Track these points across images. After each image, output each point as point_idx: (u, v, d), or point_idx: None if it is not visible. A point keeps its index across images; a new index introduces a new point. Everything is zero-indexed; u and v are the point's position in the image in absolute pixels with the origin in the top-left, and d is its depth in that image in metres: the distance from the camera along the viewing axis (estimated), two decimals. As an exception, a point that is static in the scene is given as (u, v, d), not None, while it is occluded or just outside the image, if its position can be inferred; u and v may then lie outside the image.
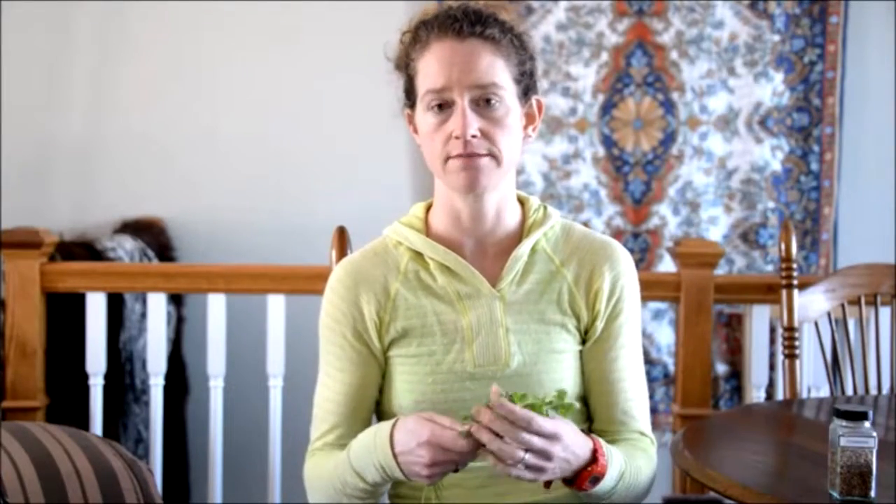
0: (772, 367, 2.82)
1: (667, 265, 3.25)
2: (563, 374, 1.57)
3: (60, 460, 1.85)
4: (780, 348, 2.25)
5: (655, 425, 1.68)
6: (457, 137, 1.51)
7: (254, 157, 3.43)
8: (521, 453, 1.37)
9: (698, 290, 2.60)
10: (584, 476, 1.45)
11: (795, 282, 2.23)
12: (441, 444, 1.40)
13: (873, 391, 2.31)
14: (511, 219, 1.61)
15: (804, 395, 2.35)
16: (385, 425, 1.49)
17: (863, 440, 1.35)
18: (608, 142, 3.39)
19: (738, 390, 3.37)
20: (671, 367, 3.31)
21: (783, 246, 2.23)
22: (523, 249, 1.59)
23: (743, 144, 3.37)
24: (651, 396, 3.22)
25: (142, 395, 2.95)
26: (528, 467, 1.39)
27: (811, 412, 1.97)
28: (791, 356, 2.21)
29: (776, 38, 3.35)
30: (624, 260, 1.62)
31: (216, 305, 2.64)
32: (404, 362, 1.58)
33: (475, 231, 1.60)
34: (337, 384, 1.60)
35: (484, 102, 1.52)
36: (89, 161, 3.42)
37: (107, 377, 2.67)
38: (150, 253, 3.14)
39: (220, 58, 3.43)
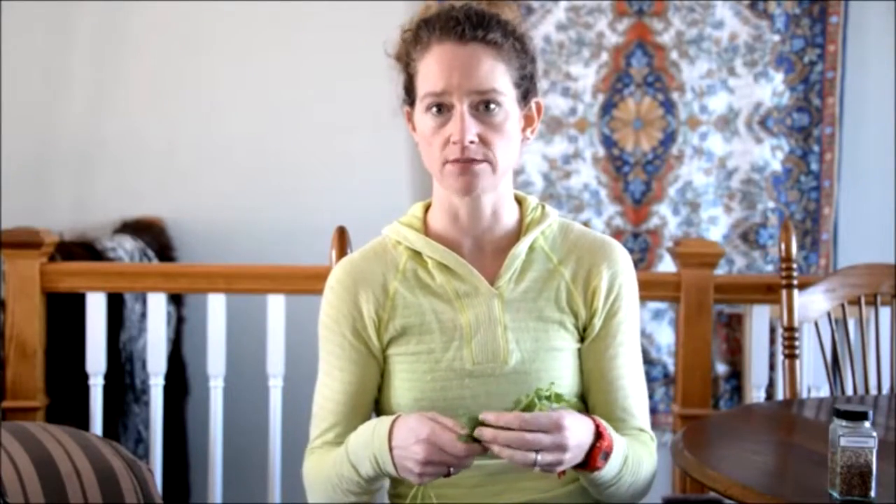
0: (772, 367, 2.82)
1: (667, 265, 3.25)
2: (562, 372, 1.57)
3: (60, 460, 1.85)
4: (780, 348, 2.25)
5: (655, 425, 1.69)
6: (454, 143, 1.51)
7: (254, 157, 3.43)
8: (532, 455, 1.37)
9: (698, 290, 2.60)
10: (595, 454, 1.45)
11: (795, 282, 2.23)
12: (439, 444, 1.40)
13: (873, 391, 2.31)
14: (509, 218, 1.62)
15: (804, 395, 2.35)
16: (386, 419, 1.49)
17: (863, 440, 1.35)
18: (608, 142, 3.39)
19: (738, 390, 3.37)
20: (671, 367, 3.31)
21: (783, 246, 2.23)
22: (521, 248, 1.59)
23: (743, 144, 3.37)
24: (651, 396, 3.23)
25: (142, 395, 2.95)
26: (547, 464, 1.39)
27: (811, 412, 1.97)
28: (791, 356, 2.21)
29: (776, 38, 3.35)
30: (622, 258, 1.62)
31: (216, 305, 2.64)
32: (403, 360, 1.58)
33: (473, 230, 1.60)
34: (336, 383, 1.61)
35: (483, 107, 1.52)
36: (89, 161, 3.43)
37: (107, 377, 2.67)
38: (150, 253, 3.14)
39: (220, 58, 3.43)
